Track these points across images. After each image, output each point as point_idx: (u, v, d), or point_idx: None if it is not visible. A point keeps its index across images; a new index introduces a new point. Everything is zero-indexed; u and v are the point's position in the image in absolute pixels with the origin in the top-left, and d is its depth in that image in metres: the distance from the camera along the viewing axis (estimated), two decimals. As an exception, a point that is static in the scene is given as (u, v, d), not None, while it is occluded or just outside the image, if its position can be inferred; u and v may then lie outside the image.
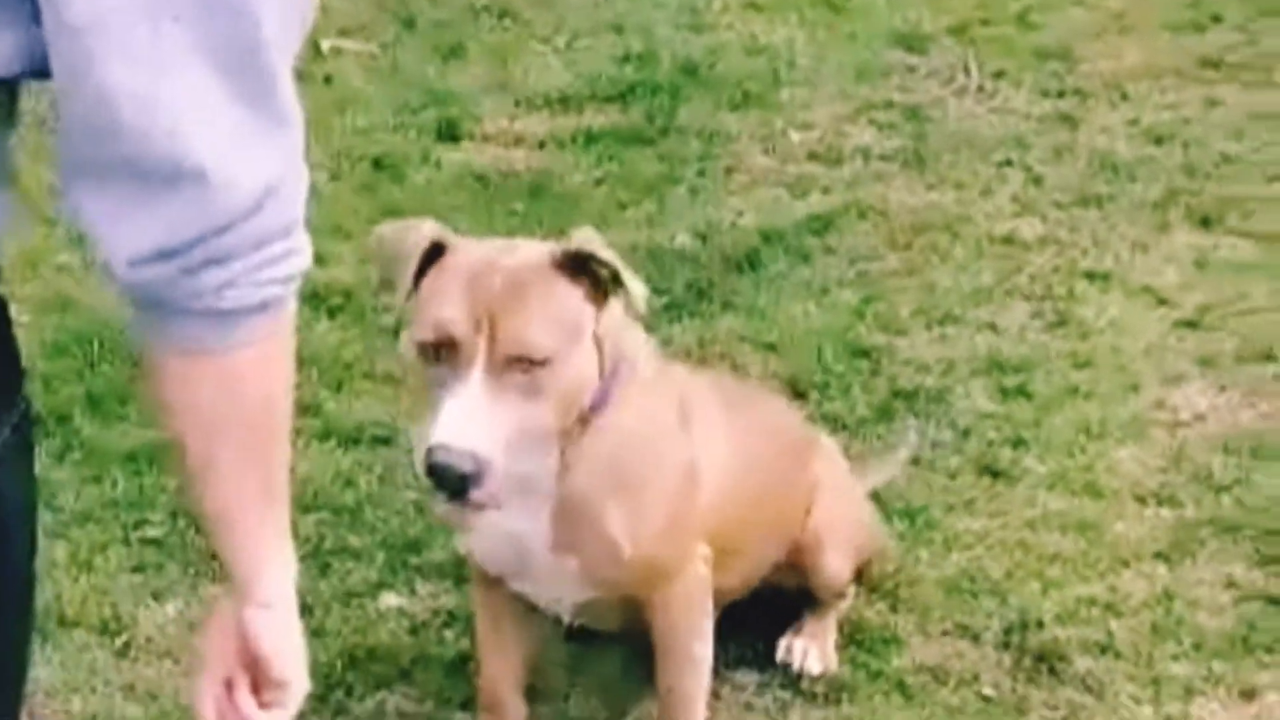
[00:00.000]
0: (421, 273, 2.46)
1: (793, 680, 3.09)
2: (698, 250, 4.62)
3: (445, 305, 2.39)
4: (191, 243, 1.44)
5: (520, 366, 2.38)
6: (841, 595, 3.17)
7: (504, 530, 2.64)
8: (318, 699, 3.03)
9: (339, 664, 3.10)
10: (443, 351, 2.40)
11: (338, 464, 3.66)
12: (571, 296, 2.46)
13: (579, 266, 2.47)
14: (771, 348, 4.17)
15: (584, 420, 2.57)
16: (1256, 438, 3.80)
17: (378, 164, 5.05)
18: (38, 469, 3.58)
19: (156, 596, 3.21)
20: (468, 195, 4.91)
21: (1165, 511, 3.56)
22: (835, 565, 3.11)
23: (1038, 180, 5.00)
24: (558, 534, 2.63)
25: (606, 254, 2.45)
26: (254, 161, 1.44)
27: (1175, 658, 3.16)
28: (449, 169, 5.07)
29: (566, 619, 2.90)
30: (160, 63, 1.37)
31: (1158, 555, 3.43)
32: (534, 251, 2.50)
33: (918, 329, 4.27)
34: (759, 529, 2.98)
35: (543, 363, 2.39)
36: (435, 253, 2.46)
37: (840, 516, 3.13)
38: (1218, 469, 3.69)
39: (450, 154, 5.16)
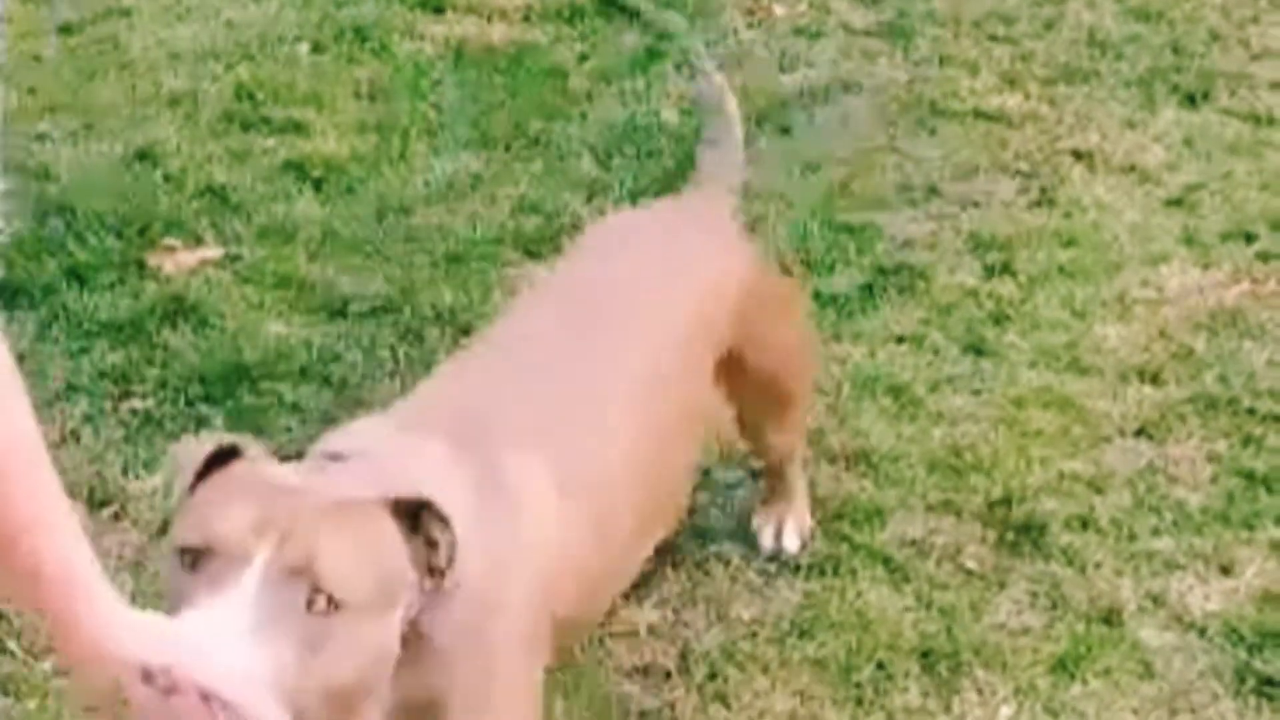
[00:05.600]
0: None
1: (778, 553, 3.11)
2: (683, 126, 4.59)
3: (225, 509, 1.83)
4: None
5: (306, 596, 1.79)
6: (791, 455, 3.05)
7: None
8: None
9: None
10: (202, 561, 1.81)
11: (323, 337, 3.66)
12: (398, 550, 1.90)
13: (415, 519, 1.92)
14: (756, 224, 4.15)
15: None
16: (1239, 315, 3.81)
17: (360, 35, 5.00)
18: (24, 342, 3.60)
19: (146, 467, 3.22)
20: (449, 68, 4.87)
21: (1148, 388, 3.58)
22: (783, 437, 2.98)
23: (1024, 56, 4.98)
24: None
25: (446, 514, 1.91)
26: None
27: (1156, 533, 3.19)
28: (432, 41, 5.02)
29: None
30: None
31: (1140, 431, 3.46)
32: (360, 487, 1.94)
33: (902, 205, 4.26)
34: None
35: (337, 605, 1.80)
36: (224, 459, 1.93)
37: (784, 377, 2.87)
38: (1200, 346, 3.71)
39: (433, 26, 5.11)
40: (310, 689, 1.79)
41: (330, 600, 1.79)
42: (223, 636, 1.73)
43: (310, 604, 1.78)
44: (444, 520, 1.90)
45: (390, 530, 1.88)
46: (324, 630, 1.79)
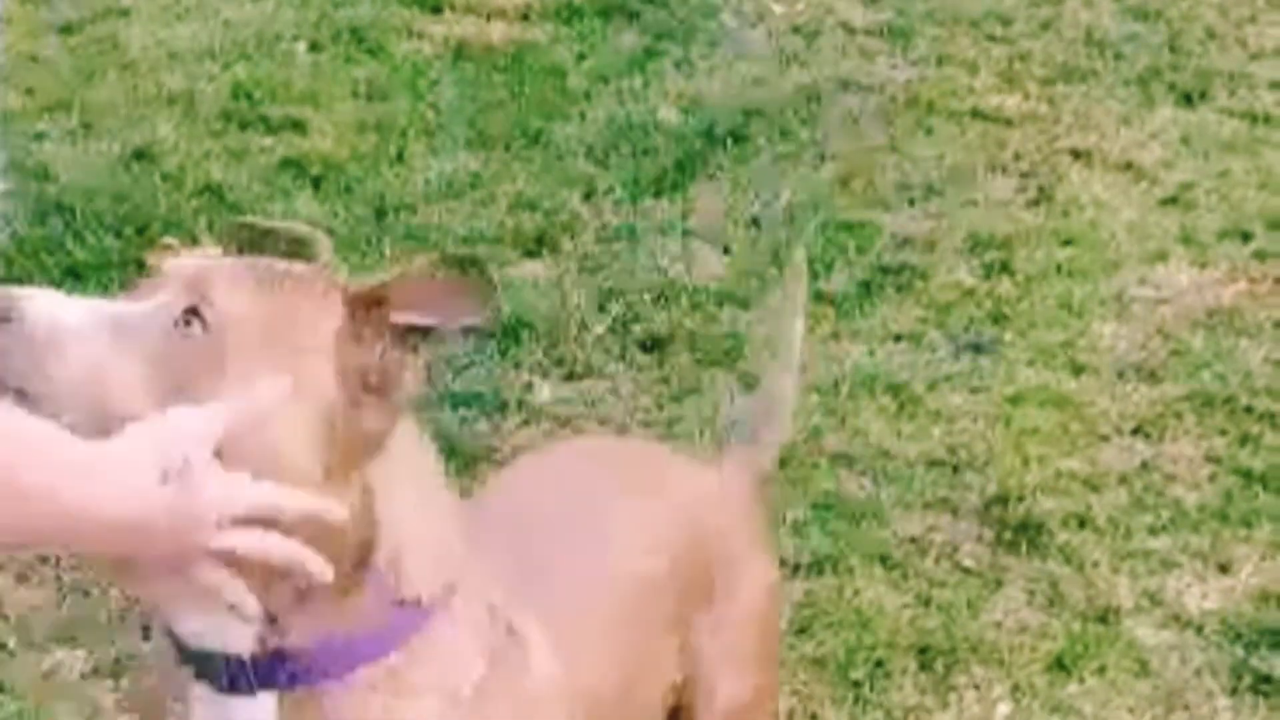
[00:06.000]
0: None
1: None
2: (681, 125, 4.60)
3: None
4: None
5: (186, 320, 1.53)
6: None
7: None
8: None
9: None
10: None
11: (322, 336, 3.66)
12: (320, 323, 1.58)
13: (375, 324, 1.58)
14: (754, 223, 4.17)
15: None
16: (1236, 314, 3.82)
17: (357, 34, 5.01)
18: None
19: (144, 466, 3.22)
20: (447, 67, 4.88)
21: (1145, 387, 3.59)
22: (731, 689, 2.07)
23: (1022, 56, 4.98)
24: None
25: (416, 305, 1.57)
26: None
27: (1153, 531, 3.20)
28: (430, 40, 5.03)
29: None
30: None
31: (1137, 430, 3.47)
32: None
33: (900, 204, 4.27)
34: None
35: (207, 328, 1.53)
36: None
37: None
38: (1198, 344, 3.72)
39: (431, 25, 5.11)
40: (174, 432, 1.48)
41: (203, 322, 1.52)
42: (58, 310, 1.52)
43: (185, 321, 1.52)
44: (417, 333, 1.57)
45: (327, 305, 1.58)
46: (190, 351, 1.52)
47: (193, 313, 1.52)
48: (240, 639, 1.56)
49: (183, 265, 1.59)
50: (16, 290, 1.52)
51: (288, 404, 1.52)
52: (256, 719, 1.58)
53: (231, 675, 1.56)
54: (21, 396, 1.49)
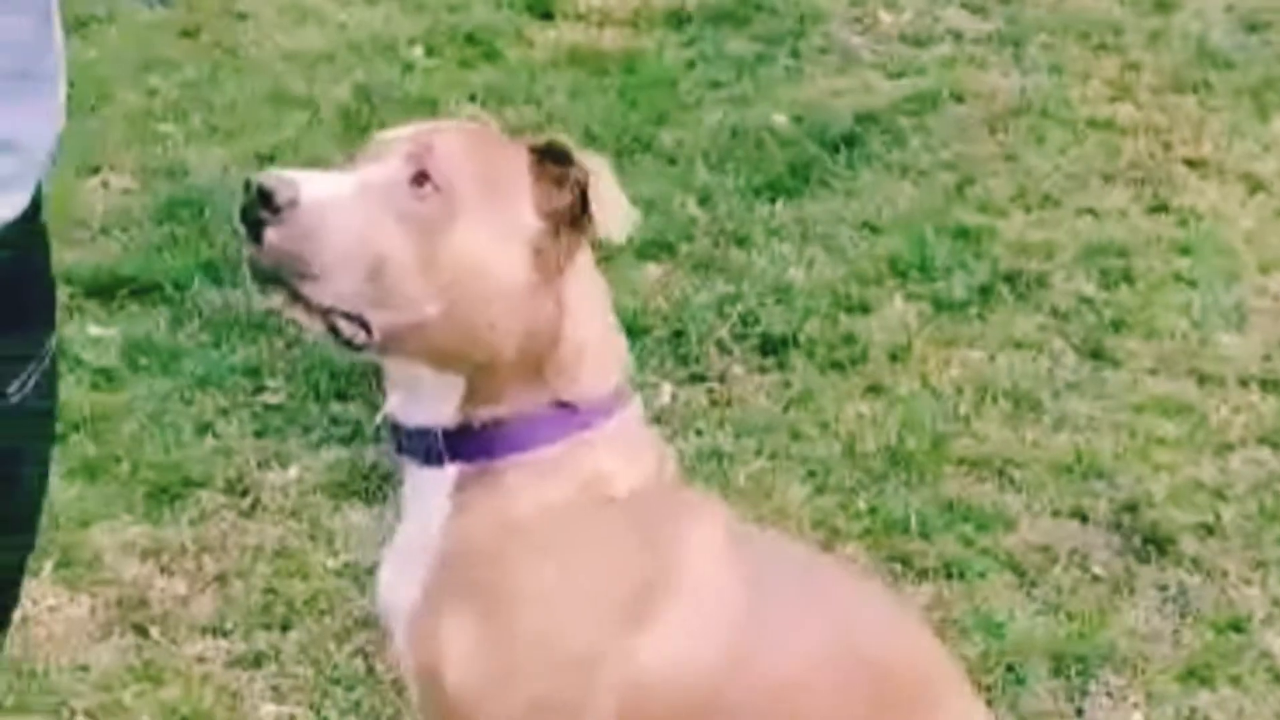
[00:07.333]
0: None
1: (903, 556, 3.13)
2: (793, 131, 4.62)
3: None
4: None
5: (418, 183, 1.79)
6: None
7: (383, 582, 1.96)
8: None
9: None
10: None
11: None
12: (520, 177, 1.85)
13: (558, 176, 1.86)
14: (870, 228, 4.18)
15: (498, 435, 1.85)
16: (1360, 325, 3.81)
17: (471, 40, 5.05)
18: (158, 336, 3.65)
19: (279, 460, 3.27)
20: (560, 73, 4.91)
21: (1270, 397, 3.58)
22: None
23: (1134, 65, 4.97)
24: (420, 622, 1.87)
25: (588, 160, 1.85)
26: None
27: (1282, 540, 3.20)
28: (542, 46, 5.07)
29: None
30: None
31: (1263, 440, 3.46)
32: None
33: (1016, 212, 4.27)
34: None
35: (438, 188, 1.79)
36: None
37: None
38: (1322, 355, 3.71)
39: (544, 31, 5.16)
40: (406, 272, 1.77)
41: (433, 185, 1.79)
42: (326, 189, 1.76)
43: (415, 181, 1.79)
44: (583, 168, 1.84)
45: (519, 159, 1.86)
46: (428, 208, 1.78)
47: (423, 176, 1.79)
48: (435, 414, 1.85)
49: (399, 135, 1.86)
50: (288, 175, 1.76)
51: (502, 235, 1.82)
52: (437, 488, 1.86)
53: (427, 447, 1.86)
54: (301, 278, 1.75)
